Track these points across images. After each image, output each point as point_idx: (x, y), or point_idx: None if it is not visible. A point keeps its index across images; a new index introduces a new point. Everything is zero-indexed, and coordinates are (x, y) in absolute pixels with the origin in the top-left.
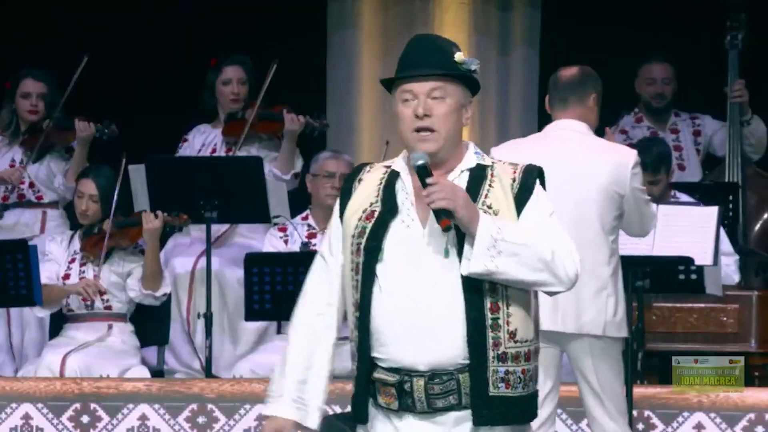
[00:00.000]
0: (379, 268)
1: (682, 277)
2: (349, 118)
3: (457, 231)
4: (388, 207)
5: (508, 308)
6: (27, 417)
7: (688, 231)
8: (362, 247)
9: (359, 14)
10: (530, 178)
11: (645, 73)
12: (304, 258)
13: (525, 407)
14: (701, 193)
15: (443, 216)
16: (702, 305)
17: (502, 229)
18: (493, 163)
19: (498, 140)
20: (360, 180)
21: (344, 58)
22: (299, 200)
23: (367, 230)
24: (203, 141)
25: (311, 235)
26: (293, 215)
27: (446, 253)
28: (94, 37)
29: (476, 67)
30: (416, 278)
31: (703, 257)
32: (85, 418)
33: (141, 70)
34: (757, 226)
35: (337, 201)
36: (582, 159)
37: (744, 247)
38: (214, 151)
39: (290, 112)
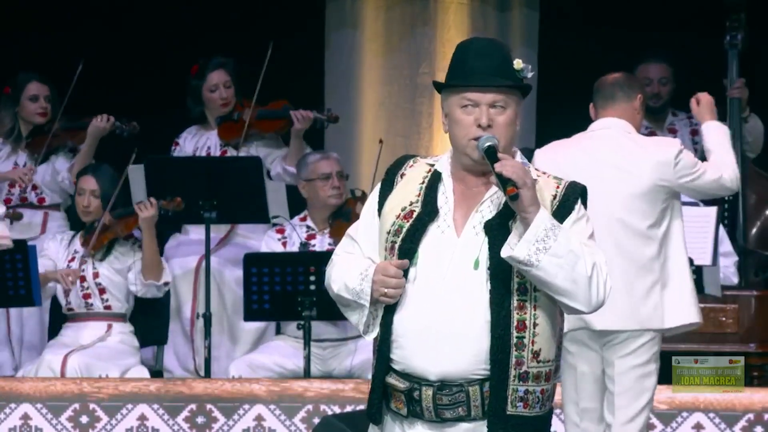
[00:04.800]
0: (411, 271)
1: None
2: (348, 118)
3: (489, 245)
4: (428, 210)
5: (534, 328)
6: (26, 417)
7: (686, 231)
8: (397, 246)
9: (358, 14)
10: (572, 195)
11: (641, 73)
12: (304, 258)
13: (540, 427)
14: None
15: (510, 184)
16: (701, 305)
17: (556, 229)
18: (537, 177)
19: None
20: (402, 174)
21: (343, 58)
22: (298, 201)
23: (404, 230)
24: (195, 144)
25: (310, 237)
26: (291, 216)
27: (476, 265)
28: (92, 39)
29: (531, 74)
30: (442, 287)
31: (701, 257)
32: (84, 419)
33: (139, 70)
34: (757, 226)
35: (376, 190)
36: (625, 157)
37: (744, 247)
38: (208, 154)
39: (290, 107)
